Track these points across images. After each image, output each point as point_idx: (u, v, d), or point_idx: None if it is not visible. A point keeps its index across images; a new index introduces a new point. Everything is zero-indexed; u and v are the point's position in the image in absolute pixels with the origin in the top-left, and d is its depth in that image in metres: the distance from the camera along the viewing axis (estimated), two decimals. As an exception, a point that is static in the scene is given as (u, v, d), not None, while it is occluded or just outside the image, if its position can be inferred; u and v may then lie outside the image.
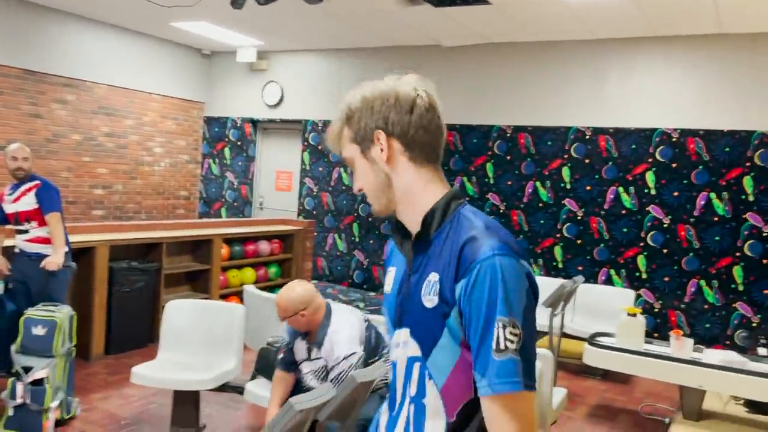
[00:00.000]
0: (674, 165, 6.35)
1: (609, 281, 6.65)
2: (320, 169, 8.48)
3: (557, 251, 6.95)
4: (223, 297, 6.33)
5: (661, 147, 6.41)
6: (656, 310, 6.44)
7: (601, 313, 5.78)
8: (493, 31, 6.77)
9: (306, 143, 8.61)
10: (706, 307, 6.22)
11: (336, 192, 8.35)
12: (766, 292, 5.96)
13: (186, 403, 3.86)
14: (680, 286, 6.33)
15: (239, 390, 3.83)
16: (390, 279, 1.38)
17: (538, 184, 7.05)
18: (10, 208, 4.33)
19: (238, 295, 6.04)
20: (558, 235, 6.95)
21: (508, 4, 5.73)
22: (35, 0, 7.00)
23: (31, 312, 3.82)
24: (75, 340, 4.01)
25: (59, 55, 7.37)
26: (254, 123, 9.10)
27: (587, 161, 6.78)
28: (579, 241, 6.84)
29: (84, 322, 4.99)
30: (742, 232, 6.05)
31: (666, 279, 6.40)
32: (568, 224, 6.90)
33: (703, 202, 6.22)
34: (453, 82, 7.48)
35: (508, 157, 7.21)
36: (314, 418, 2.03)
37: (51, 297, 4.15)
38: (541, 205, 7.04)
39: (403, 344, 1.29)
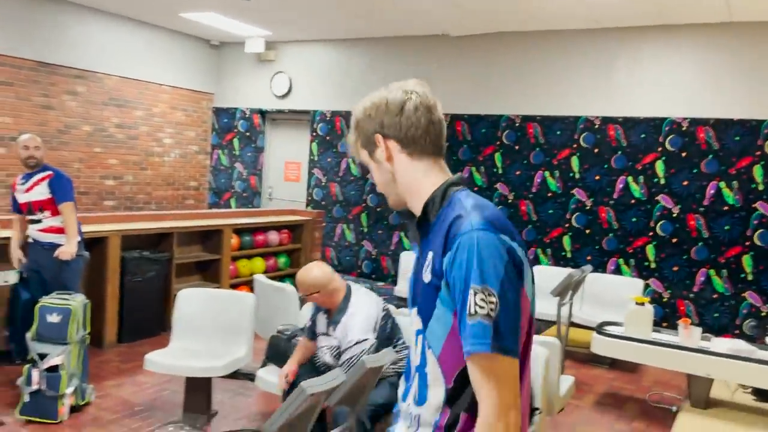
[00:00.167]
0: (684, 154, 6.33)
1: (618, 271, 6.65)
2: (328, 159, 8.51)
3: (566, 241, 6.96)
4: (234, 286, 6.39)
5: (671, 136, 6.39)
6: (665, 299, 6.44)
7: (609, 302, 5.79)
8: (501, 20, 6.76)
9: (314, 134, 8.63)
10: (715, 296, 6.21)
11: (344, 182, 8.38)
12: (775, 281, 5.96)
13: (198, 389, 3.92)
14: (689, 275, 6.33)
15: (250, 377, 3.89)
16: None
17: (546, 173, 7.05)
18: (22, 198, 4.39)
19: (248, 284, 6.10)
20: (567, 225, 6.95)
21: (517, -7, 5.72)
22: (46, -8, 7.05)
23: (46, 300, 3.89)
24: (89, 328, 4.07)
25: (70, 46, 7.42)
26: (263, 114, 9.13)
27: (596, 151, 6.77)
28: (588, 231, 6.84)
29: (97, 311, 5.05)
30: (751, 221, 6.04)
31: (675, 268, 6.40)
32: (577, 214, 6.90)
33: (712, 192, 6.21)
34: (461, 71, 7.47)
35: (517, 147, 7.21)
36: (324, 402, 2.07)
37: (64, 285, 4.22)
38: (549, 194, 7.04)
39: (414, 321, 1.41)
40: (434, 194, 1.35)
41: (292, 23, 7.73)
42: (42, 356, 3.76)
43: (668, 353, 4.29)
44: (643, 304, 4.57)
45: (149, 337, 5.49)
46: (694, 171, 6.29)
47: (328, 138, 8.50)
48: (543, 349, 3.20)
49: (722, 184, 6.16)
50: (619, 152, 6.65)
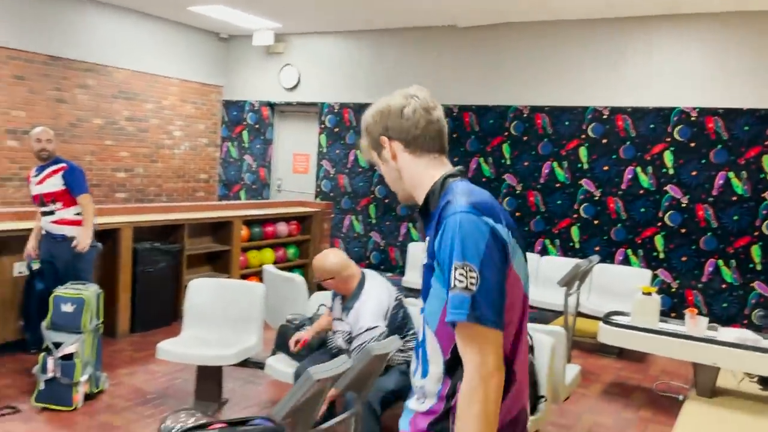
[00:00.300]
0: (692, 144, 6.32)
1: (626, 261, 6.66)
2: (337, 151, 8.55)
3: (574, 232, 6.97)
4: (244, 277, 6.46)
5: (680, 126, 6.38)
6: (673, 290, 6.45)
7: (617, 292, 5.81)
8: (509, 10, 6.75)
9: (323, 126, 8.67)
10: (723, 286, 6.21)
11: (353, 174, 8.42)
12: (784, 271, 5.95)
13: (209, 377, 3.99)
14: (698, 265, 6.33)
15: (260, 365, 3.96)
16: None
17: (555, 164, 7.06)
18: (35, 190, 4.48)
19: (258, 275, 6.17)
20: (575, 216, 6.96)
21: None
22: (56, -14, 7.12)
23: (60, 290, 3.97)
24: (102, 317, 4.15)
25: (81, 40, 7.49)
26: (272, 106, 9.18)
27: (605, 141, 6.77)
28: (596, 222, 6.85)
29: (110, 301, 5.14)
30: (760, 211, 6.02)
31: (683, 259, 6.40)
32: (585, 204, 6.90)
33: (721, 182, 6.19)
34: (469, 62, 7.47)
35: (525, 138, 7.22)
36: (331, 387, 2.12)
37: (77, 276, 4.30)
38: (558, 185, 7.05)
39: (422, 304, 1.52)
40: (434, 186, 1.48)
41: (300, 15, 7.76)
42: (57, 345, 3.84)
43: (675, 343, 4.31)
44: (650, 293, 4.58)
45: (161, 326, 5.58)
46: (703, 161, 6.28)
47: (336, 130, 8.54)
48: (548, 337, 3.24)
49: (731, 174, 6.14)
50: (628, 142, 6.65)
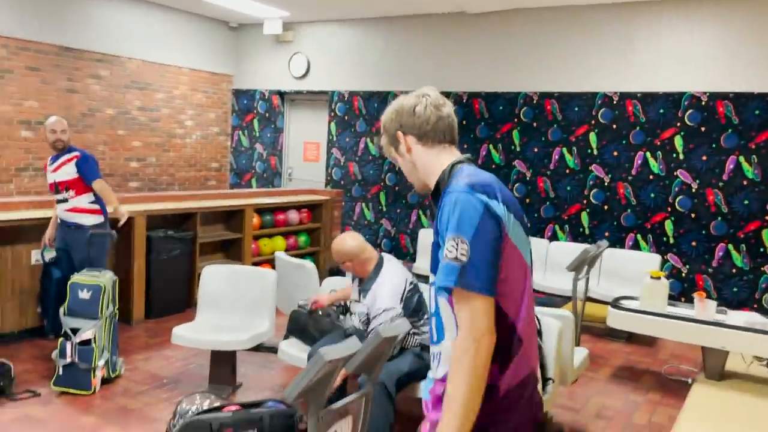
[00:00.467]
0: (703, 129, 6.30)
1: (636, 247, 6.66)
2: (347, 139, 8.58)
3: (584, 217, 6.98)
4: (255, 265, 6.53)
5: (690, 111, 6.35)
6: (684, 275, 6.45)
7: (627, 277, 5.83)
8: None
9: (333, 114, 8.70)
10: (734, 271, 6.21)
11: (363, 162, 8.45)
12: (795, 255, 5.93)
13: (223, 362, 4.08)
14: (708, 250, 6.33)
15: (273, 350, 4.03)
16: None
17: (564, 150, 7.05)
18: (50, 178, 4.58)
19: (270, 263, 6.25)
20: (585, 201, 6.97)
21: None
22: (67, -23, 7.17)
23: (77, 277, 4.05)
24: (117, 304, 4.23)
25: (92, 31, 7.55)
26: (282, 95, 9.22)
27: (614, 127, 6.75)
28: (606, 207, 6.85)
29: (125, 289, 5.24)
30: (771, 195, 6.00)
31: (693, 244, 6.39)
32: (594, 190, 6.91)
33: (732, 166, 6.17)
34: (478, 49, 7.46)
35: (535, 124, 7.21)
36: (342, 368, 2.17)
37: (91, 263, 4.39)
38: (567, 171, 7.05)
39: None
40: (444, 171, 1.64)
41: (308, 3, 7.77)
42: (74, 331, 3.93)
43: (683, 326, 4.33)
44: (658, 278, 4.60)
45: (175, 313, 5.67)
46: (713, 146, 6.25)
47: (346, 118, 8.57)
48: (556, 321, 3.28)
49: (741, 159, 6.12)
50: (638, 128, 6.63)
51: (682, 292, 6.39)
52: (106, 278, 4.08)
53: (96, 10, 7.58)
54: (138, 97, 8.15)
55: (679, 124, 6.41)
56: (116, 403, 3.84)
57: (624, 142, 6.71)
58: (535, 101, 7.20)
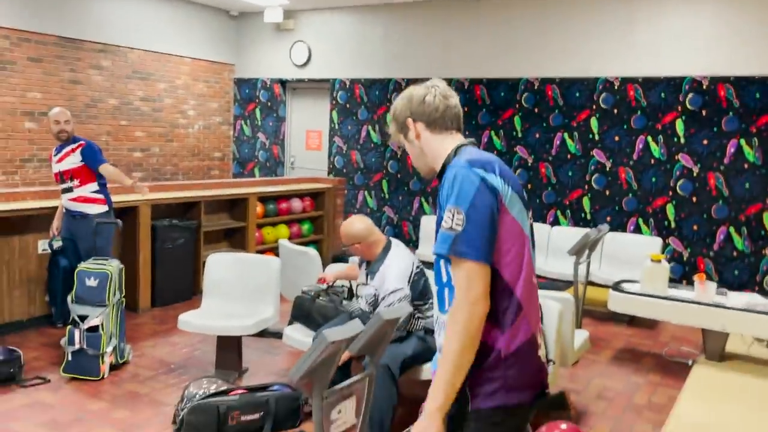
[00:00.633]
0: (704, 113, 6.30)
1: (638, 231, 6.69)
2: (349, 127, 8.60)
3: (585, 202, 7.01)
4: (260, 253, 6.59)
5: (691, 95, 6.36)
6: (685, 258, 6.48)
7: (628, 261, 5.86)
8: (519, -19, 6.70)
9: (334, 102, 8.72)
10: (735, 254, 6.24)
11: (365, 150, 8.48)
12: (796, 238, 5.95)
13: (229, 348, 4.14)
14: (709, 233, 6.35)
15: (278, 335, 4.09)
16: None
17: (566, 135, 7.07)
18: (55, 168, 4.64)
19: (274, 251, 6.30)
20: (586, 186, 6.99)
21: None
22: (68, -32, 7.17)
23: (84, 265, 4.11)
24: (124, 292, 4.29)
25: (93, 21, 7.57)
26: (283, 83, 9.23)
27: (615, 111, 6.76)
28: (607, 192, 6.87)
29: (131, 277, 5.30)
30: (772, 178, 6.02)
31: (695, 227, 6.42)
32: (596, 175, 6.93)
33: (733, 150, 6.19)
34: (479, 35, 7.46)
35: (536, 110, 7.23)
36: (345, 350, 2.22)
37: (96, 252, 4.44)
38: (569, 156, 7.07)
39: None
40: (449, 154, 1.75)
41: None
42: (82, 318, 3.99)
43: (684, 308, 4.37)
44: (659, 261, 4.63)
45: (181, 301, 5.74)
46: (714, 129, 6.26)
47: (347, 106, 8.59)
48: (556, 303, 3.33)
49: (743, 142, 6.13)
50: (639, 112, 6.64)
51: (683, 276, 6.43)
52: (112, 266, 4.13)
53: (97, 0, 7.59)
54: (140, 87, 8.18)
55: (680, 108, 6.42)
56: (125, 389, 3.91)
57: (625, 126, 6.72)
58: (536, 87, 7.20)
